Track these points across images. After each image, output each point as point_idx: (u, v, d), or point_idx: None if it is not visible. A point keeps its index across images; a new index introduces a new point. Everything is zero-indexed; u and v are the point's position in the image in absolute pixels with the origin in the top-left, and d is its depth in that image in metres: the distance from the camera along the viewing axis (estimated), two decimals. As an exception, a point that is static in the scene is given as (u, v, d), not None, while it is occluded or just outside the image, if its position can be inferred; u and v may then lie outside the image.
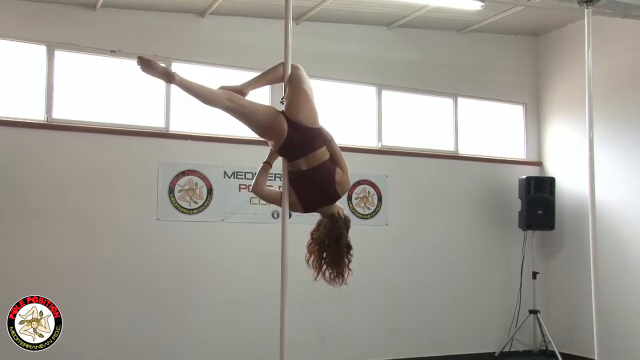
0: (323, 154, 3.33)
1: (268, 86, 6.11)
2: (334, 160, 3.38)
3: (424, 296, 6.97)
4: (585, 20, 4.50)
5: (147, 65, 3.03)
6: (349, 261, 3.33)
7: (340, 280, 3.32)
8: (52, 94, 5.67)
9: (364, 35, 7.00)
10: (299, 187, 3.35)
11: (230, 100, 3.21)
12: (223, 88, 3.31)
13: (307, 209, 3.41)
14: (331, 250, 3.30)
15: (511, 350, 7.27)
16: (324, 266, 3.31)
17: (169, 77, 3.09)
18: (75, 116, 5.76)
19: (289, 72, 3.44)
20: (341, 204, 3.54)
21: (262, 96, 5.85)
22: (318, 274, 3.31)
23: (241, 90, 3.37)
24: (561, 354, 6.85)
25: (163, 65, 3.16)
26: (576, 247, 7.09)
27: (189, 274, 5.97)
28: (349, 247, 3.34)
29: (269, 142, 3.38)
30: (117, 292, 5.70)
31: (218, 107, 3.25)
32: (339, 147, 3.49)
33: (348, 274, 3.33)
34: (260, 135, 3.36)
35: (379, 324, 6.70)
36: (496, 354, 7.23)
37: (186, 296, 5.95)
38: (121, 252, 5.76)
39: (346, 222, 3.40)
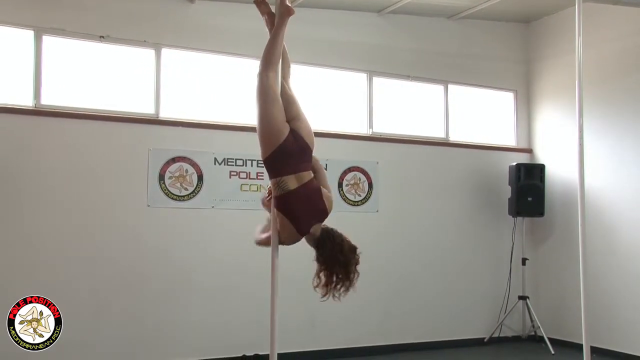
0: (309, 174, 3.27)
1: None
2: (319, 179, 3.33)
3: (414, 282, 7.00)
4: (575, 7, 4.50)
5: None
6: (357, 264, 3.29)
7: (350, 286, 3.28)
8: (40, 80, 5.60)
9: (354, 22, 6.97)
10: (292, 208, 3.22)
11: (284, 79, 3.34)
12: None
13: (302, 231, 3.26)
14: (342, 263, 3.23)
15: (500, 335, 7.34)
16: (337, 283, 3.23)
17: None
18: (64, 102, 5.71)
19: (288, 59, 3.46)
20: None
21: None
22: (328, 293, 3.24)
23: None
24: (549, 339, 6.92)
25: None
26: (565, 234, 7.14)
27: (179, 260, 5.97)
28: (355, 249, 3.31)
29: (262, 147, 3.24)
30: (107, 279, 5.68)
31: (269, 69, 3.24)
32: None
33: (356, 276, 3.29)
34: (262, 126, 3.21)
35: (370, 310, 6.73)
36: (485, 340, 7.30)
37: (177, 283, 5.95)
38: (111, 239, 5.74)
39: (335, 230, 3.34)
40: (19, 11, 5.60)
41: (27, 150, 5.53)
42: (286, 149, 3.19)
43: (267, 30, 3.49)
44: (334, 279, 3.23)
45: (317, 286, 3.25)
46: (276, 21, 3.34)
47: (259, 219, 6.02)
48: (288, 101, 3.31)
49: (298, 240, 3.28)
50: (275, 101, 3.22)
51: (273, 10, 3.45)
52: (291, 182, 3.21)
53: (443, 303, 7.14)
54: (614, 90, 6.75)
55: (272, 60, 3.27)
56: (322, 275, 3.24)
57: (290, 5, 3.34)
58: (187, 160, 6.09)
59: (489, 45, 7.76)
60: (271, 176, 3.25)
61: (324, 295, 3.24)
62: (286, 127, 3.21)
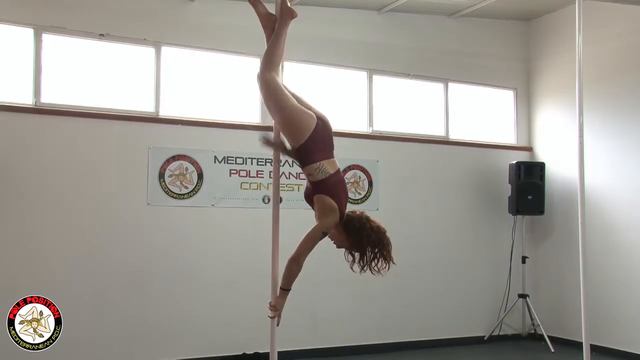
0: (336, 162, 3.36)
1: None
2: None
3: (414, 280, 6.99)
4: (576, 4, 4.49)
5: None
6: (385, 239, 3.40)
7: (389, 262, 3.38)
8: (40, 78, 5.59)
9: (354, 20, 6.96)
10: (335, 190, 3.26)
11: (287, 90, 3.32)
12: None
13: (343, 212, 3.33)
14: (373, 241, 3.34)
15: (500, 334, 7.35)
16: (372, 260, 3.31)
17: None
18: (64, 101, 5.70)
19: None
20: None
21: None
22: (365, 268, 3.31)
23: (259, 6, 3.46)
24: (549, 337, 6.92)
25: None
26: (565, 232, 7.14)
27: (179, 259, 5.97)
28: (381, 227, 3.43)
29: (292, 137, 3.24)
30: (108, 278, 5.68)
31: (270, 70, 3.26)
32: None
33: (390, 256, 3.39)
34: (286, 117, 3.20)
35: (369, 308, 6.74)
36: (485, 338, 7.30)
37: (177, 281, 5.95)
38: (112, 237, 5.73)
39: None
40: (18, 9, 5.59)
41: (27, 149, 5.53)
42: (319, 134, 3.23)
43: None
44: (367, 256, 3.31)
45: (352, 265, 3.31)
46: (278, 24, 3.34)
47: (259, 217, 6.02)
48: (294, 97, 3.32)
49: (337, 223, 3.27)
50: (285, 91, 3.25)
51: (270, 11, 3.44)
52: (328, 167, 3.25)
53: (443, 301, 7.14)
54: (614, 88, 6.74)
55: (273, 62, 3.28)
56: (354, 254, 3.31)
57: (292, 7, 3.34)
58: (187, 159, 6.08)
59: (489, 43, 7.76)
60: (307, 163, 3.24)
61: (361, 271, 3.32)
62: (311, 114, 3.24)
